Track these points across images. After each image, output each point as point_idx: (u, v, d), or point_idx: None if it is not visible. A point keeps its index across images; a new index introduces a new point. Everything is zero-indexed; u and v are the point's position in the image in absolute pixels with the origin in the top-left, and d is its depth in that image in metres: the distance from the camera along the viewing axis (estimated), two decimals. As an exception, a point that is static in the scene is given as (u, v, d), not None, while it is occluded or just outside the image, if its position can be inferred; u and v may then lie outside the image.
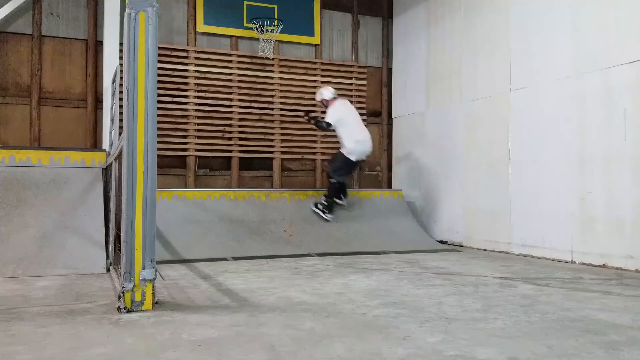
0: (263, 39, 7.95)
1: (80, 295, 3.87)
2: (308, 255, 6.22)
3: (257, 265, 5.47)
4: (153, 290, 3.40)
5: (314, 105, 8.48)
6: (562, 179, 5.74)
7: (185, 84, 7.76)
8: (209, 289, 4.20)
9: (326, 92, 7.08)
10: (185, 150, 7.76)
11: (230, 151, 8.01)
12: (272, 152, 8.27)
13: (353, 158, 6.90)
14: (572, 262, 5.60)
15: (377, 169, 9.07)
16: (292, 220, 6.91)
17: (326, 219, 6.97)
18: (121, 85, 3.77)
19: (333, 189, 7.01)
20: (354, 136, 6.89)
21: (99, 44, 7.29)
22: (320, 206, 7.01)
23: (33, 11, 7.12)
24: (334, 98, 7.06)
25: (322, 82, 8.53)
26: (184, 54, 7.78)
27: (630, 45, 5.10)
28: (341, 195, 7.12)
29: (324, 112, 7.16)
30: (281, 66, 8.34)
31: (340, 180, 6.99)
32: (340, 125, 6.90)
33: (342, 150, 6.96)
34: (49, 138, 7.17)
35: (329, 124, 6.89)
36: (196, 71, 7.81)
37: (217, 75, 7.93)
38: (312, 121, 7.17)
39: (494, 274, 4.92)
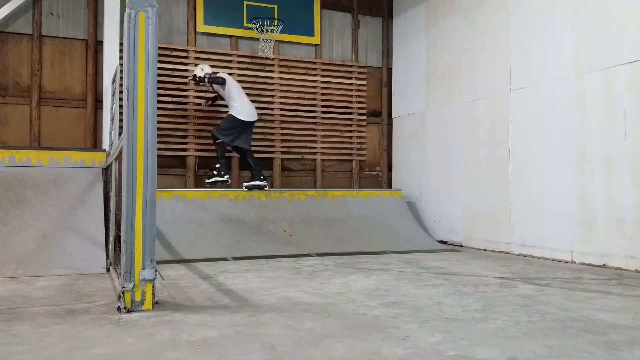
0: (263, 39, 7.95)
1: (80, 295, 3.87)
2: (308, 255, 6.22)
3: (257, 265, 5.47)
4: (153, 290, 3.40)
5: (314, 106, 8.50)
6: (562, 179, 5.74)
7: (185, 84, 7.76)
8: (209, 289, 4.20)
9: (207, 67, 7.27)
10: (185, 150, 7.76)
11: (230, 151, 8.00)
12: (272, 152, 8.27)
13: (241, 117, 7.11)
14: (572, 262, 5.60)
15: (377, 169, 9.07)
16: (292, 220, 6.91)
17: (224, 180, 7.07)
18: (121, 85, 3.77)
19: (221, 148, 7.09)
20: (242, 98, 7.19)
21: (99, 44, 7.29)
22: (215, 172, 7.13)
23: (33, 11, 7.12)
24: (215, 72, 7.32)
25: (322, 82, 8.54)
26: (184, 54, 7.79)
27: (630, 45, 5.10)
28: (225, 170, 7.17)
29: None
30: (281, 66, 8.34)
31: (225, 141, 7.08)
32: (231, 86, 7.16)
33: (230, 112, 7.18)
34: (49, 138, 7.17)
35: (224, 79, 7.11)
36: (196, 71, 7.80)
37: (217, 75, 7.93)
38: (206, 81, 7.23)
39: (494, 274, 4.92)
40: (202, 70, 7.24)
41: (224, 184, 7.11)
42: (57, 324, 3.05)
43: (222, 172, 7.09)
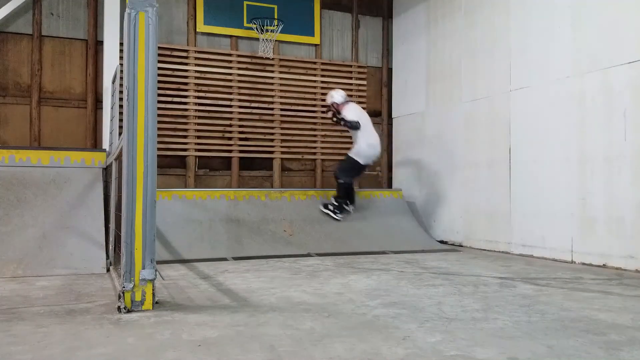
0: (263, 39, 7.96)
1: (80, 295, 3.87)
2: (308, 255, 6.22)
3: (257, 265, 5.47)
4: (153, 290, 3.40)
5: (314, 106, 8.49)
6: (562, 179, 5.74)
7: (185, 84, 7.76)
8: (209, 289, 4.20)
9: (337, 96, 7.01)
10: (185, 150, 7.76)
11: (230, 151, 8.01)
12: (272, 152, 8.27)
13: (361, 161, 6.93)
14: (572, 262, 5.60)
15: (377, 169, 9.07)
16: (292, 220, 6.91)
17: (337, 219, 6.96)
18: (121, 85, 3.77)
19: (342, 189, 7.00)
20: (367, 140, 6.92)
21: (99, 44, 7.29)
22: (330, 207, 7.01)
23: (33, 11, 7.12)
24: (346, 102, 7.05)
25: (322, 82, 8.54)
26: (184, 54, 7.78)
27: (630, 45, 5.10)
28: (348, 201, 7.06)
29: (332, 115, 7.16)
30: (281, 66, 8.34)
31: (346, 181, 6.97)
32: (361, 129, 6.93)
33: (350, 153, 7.01)
34: (49, 138, 7.17)
35: (358, 123, 6.84)
36: (196, 71, 7.81)
37: (217, 75, 7.94)
38: (342, 122, 6.96)
39: (494, 274, 4.92)
40: (332, 97, 6.96)
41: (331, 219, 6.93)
42: (57, 324, 3.05)
43: (337, 212, 6.91)
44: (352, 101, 7.30)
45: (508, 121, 6.49)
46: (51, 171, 5.59)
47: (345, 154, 7.12)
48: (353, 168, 6.98)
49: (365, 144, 6.89)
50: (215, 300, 3.74)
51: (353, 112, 6.96)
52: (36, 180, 5.48)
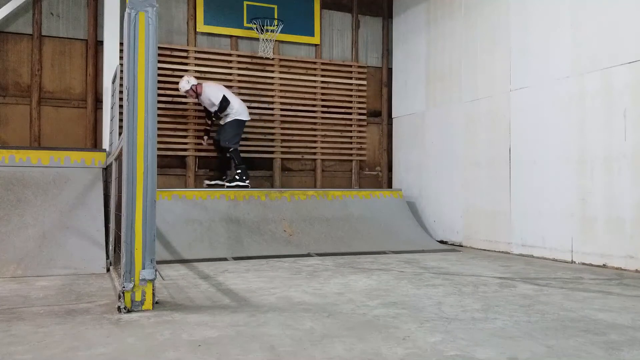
0: (263, 39, 7.95)
1: (80, 295, 3.87)
2: (308, 255, 6.22)
3: (257, 265, 5.47)
4: (153, 290, 3.40)
5: (314, 106, 8.50)
6: (562, 179, 5.75)
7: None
8: (209, 289, 4.20)
9: (192, 79, 7.32)
10: (185, 150, 7.76)
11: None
12: (272, 152, 8.27)
13: (243, 117, 7.36)
14: (572, 262, 5.60)
15: (377, 169, 9.07)
16: (292, 220, 6.91)
17: (246, 185, 7.30)
18: (121, 85, 3.77)
19: (237, 154, 7.34)
20: (235, 100, 7.38)
21: (99, 44, 7.29)
22: (237, 177, 7.33)
23: (33, 11, 7.12)
24: (199, 83, 7.39)
25: (322, 82, 8.54)
26: (184, 54, 7.78)
27: (630, 45, 5.10)
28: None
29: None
30: (281, 66, 8.34)
31: (237, 147, 7.36)
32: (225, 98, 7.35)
33: (228, 119, 7.33)
34: (49, 138, 7.17)
35: (227, 100, 7.24)
36: (196, 71, 7.80)
37: (217, 75, 7.93)
38: (217, 117, 7.43)
39: (494, 274, 4.92)
40: (189, 82, 7.27)
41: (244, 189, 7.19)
42: (57, 324, 3.05)
43: (244, 178, 7.30)
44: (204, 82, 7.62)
45: (508, 121, 6.50)
46: (51, 171, 5.59)
47: (224, 125, 7.42)
48: (237, 129, 7.34)
49: (237, 103, 7.35)
50: (215, 300, 3.74)
51: (214, 89, 7.36)
52: (36, 180, 5.48)
